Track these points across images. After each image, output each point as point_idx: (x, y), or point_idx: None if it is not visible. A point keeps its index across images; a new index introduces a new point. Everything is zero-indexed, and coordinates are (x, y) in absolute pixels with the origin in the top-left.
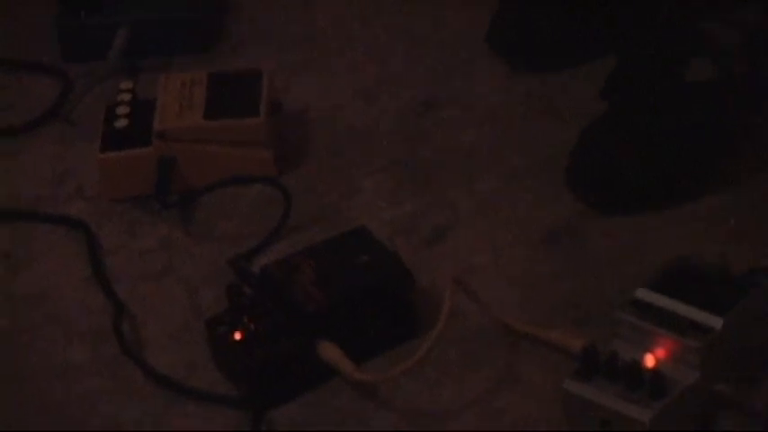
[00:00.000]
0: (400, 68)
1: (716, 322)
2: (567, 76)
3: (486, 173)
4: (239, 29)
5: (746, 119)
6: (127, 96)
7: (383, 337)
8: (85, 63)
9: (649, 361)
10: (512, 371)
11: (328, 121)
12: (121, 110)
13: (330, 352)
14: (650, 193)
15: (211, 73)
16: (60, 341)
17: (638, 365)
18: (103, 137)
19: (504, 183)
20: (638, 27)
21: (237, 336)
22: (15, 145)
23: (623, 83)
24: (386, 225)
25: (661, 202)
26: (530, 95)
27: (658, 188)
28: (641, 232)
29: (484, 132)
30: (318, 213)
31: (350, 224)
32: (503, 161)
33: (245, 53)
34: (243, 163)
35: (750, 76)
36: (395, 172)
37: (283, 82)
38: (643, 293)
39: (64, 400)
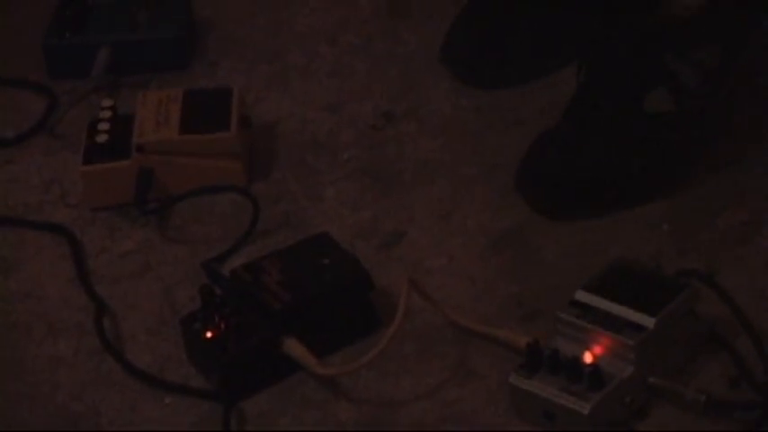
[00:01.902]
0: (362, 84)
1: (649, 322)
2: (517, 91)
3: (441, 181)
4: (213, 48)
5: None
6: (107, 113)
7: (344, 333)
8: (70, 80)
9: (588, 357)
10: (463, 365)
11: (295, 134)
12: (103, 125)
13: (294, 348)
14: (593, 201)
15: (186, 90)
16: (47, 336)
17: (577, 361)
18: (86, 150)
19: (457, 190)
20: (599, 53)
21: (209, 334)
22: (5, 156)
23: (585, 106)
24: (347, 230)
25: (603, 209)
26: (481, 109)
27: (601, 196)
28: (584, 236)
29: (439, 143)
30: (285, 219)
31: (314, 229)
32: (456, 170)
33: (218, 70)
34: (215, 173)
35: (702, 113)
36: (356, 180)
37: (253, 97)
38: (582, 295)
39: (50, 390)
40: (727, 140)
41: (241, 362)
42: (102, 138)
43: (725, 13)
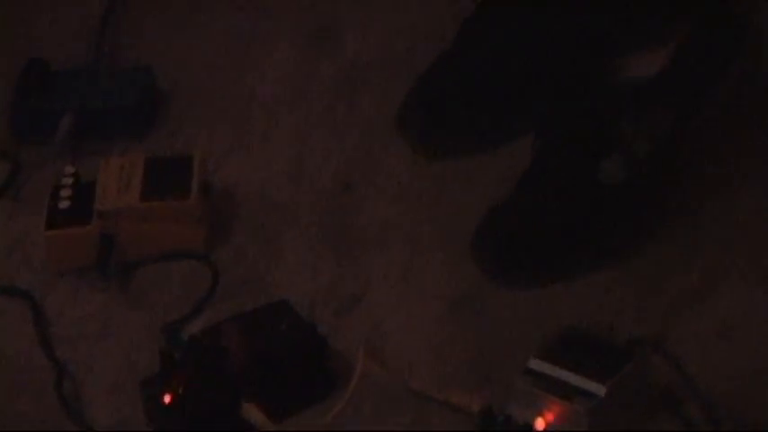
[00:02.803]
0: (321, 150)
1: (599, 389)
2: (475, 159)
3: (398, 245)
4: (175, 114)
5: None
6: (70, 179)
7: (302, 397)
8: (34, 145)
9: (540, 424)
10: (418, 427)
11: (255, 199)
12: (65, 191)
13: (253, 413)
14: (547, 267)
15: (148, 157)
16: (7, 399)
17: (530, 427)
18: (48, 216)
19: (414, 255)
20: (554, 122)
21: (168, 398)
22: None
23: (539, 175)
24: (307, 294)
25: (556, 275)
26: (438, 176)
27: (554, 263)
28: (538, 302)
29: (396, 209)
30: (244, 284)
31: (274, 294)
32: (413, 235)
33: (180, 137)
34: (176, 238)
35: (655, 180)
36: (315, 245)
37: (215, 163)
38: (535, 363)
39: None
40: (679, 203)
41: (199, 426)
42: (64, 203)
43: (678, 81)
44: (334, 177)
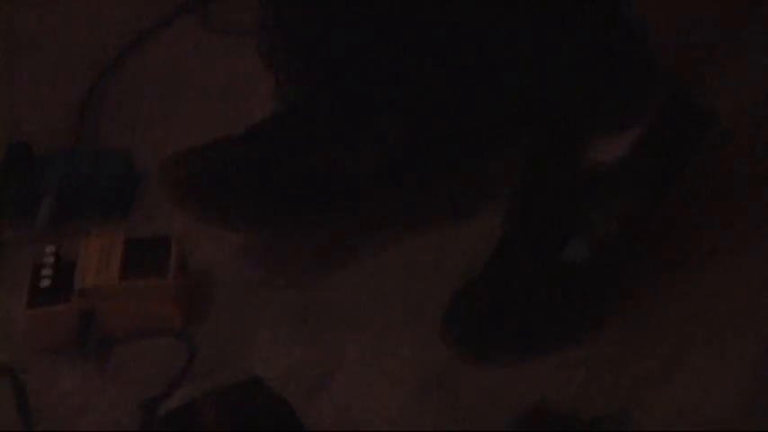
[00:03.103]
0: None
1: None
2: (443, 237)
3: (369, 326)
4: (153, 197)
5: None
6: (51, 258)
7: None
8: (16, 226)
9: None
10: None
11: (230, 279)
12: (46, 270)
13: None
14: (515, 346)
15: (127, 237)
16: None
17: None
18: (30, 294)
19: (385, 334)
20: (520, 206)
21: None
22: None
23: (506, 256)
24: (280, 372)
25: (525, 354)
26: (408, 257)
27: (522, 342)
28: (506, 380)
29: (367, 289)
30: (220, 361)
31: (248, 371)
32: (383, 315)
33: (157, 219)
34: (154, 316)
35: (618, 262)
36: (288, 324)
37: (191, 244)
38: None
39: None
40: (642, 282)
41: None
42: (45, 282)
43: (643, 169)
44: (307, 259)
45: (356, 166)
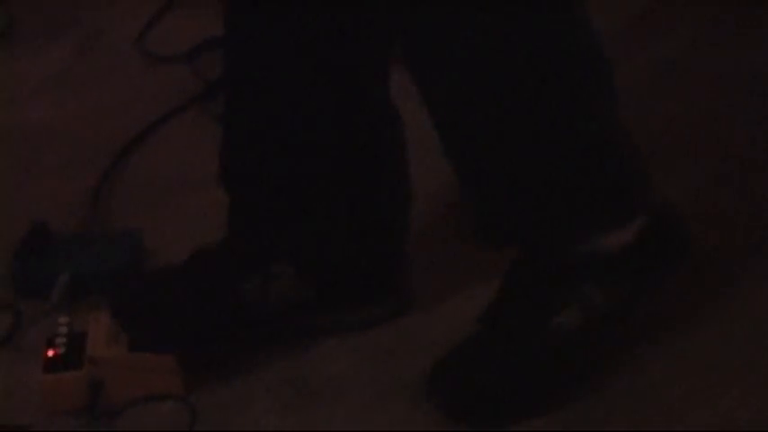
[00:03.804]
0: None
1: None
2: (431, 312)
3: (358, 395)
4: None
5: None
6: (64, 329)
7: None
8: (34, 300)
9: None
10: None
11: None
12: (60, 340)
13: None
14: (498, 412)
15: None
16: None
17: None
18: (45, 362)
19: (372, 403)
20: (517, 278)
21: None
22: None
23: (497, 322)
24: None
25: (508, 420)
26: (395, 327)
27: (507, 408)
28: None
29: (354, 359)
30: (219, 425)
31: None
32: (372, 384)
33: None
34: (158, 384)
35: (608, 333)
36: (281, 393)
37: None
38: None
39: None
40: (629, 353)
41: None
42: (59, 351)
43: (645, 255)
44: (295, 332)
45: (266, 303)
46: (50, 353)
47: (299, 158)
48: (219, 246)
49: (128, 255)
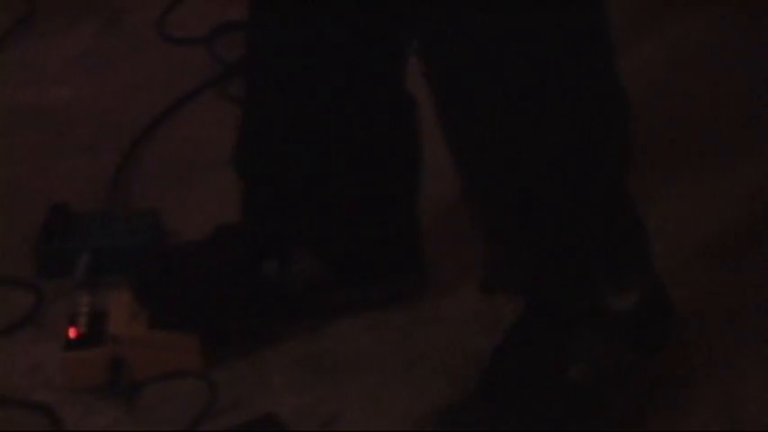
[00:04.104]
0: None
1: None
2: (448, 296)
3: (374, 372)
4: None
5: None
6: (85, 308)
7: None
8: (56, 279)
9: None
10: None
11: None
12: (81, 319)
13: None
14: None
15: None
16: None
17: None
18: (66, 340)
19: (387, 378)
20: (526, 328)
21: None
22: None
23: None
24: (292, 411)
25: None
26: (409, 313)
27: None
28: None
29: (371, 337)
30: (237, 401)
31: (263, 410)
32: (386, 361)
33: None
34: (178, 361)
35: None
36: (299, 369)
37: None
38: None
39: None
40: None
41: None
42: (80, 329)
43: (647, 321)
44: (314, 310)
45: (284, 285)
46: (72, 331)
47: (314, 144)
48: (239, 226)
49: (148, 234)
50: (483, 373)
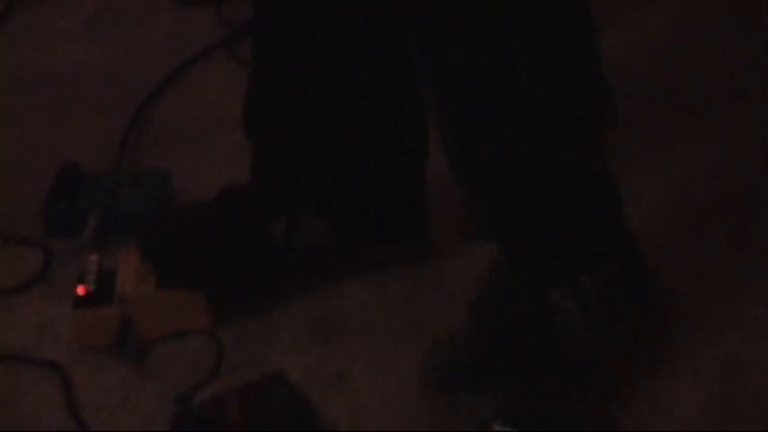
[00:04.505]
0: None
1: None
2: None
3: (378, 331)
4: None
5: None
6: (94, 266)
7: None
8: (65, 239)
9: None
10: None
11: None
12: (90, 277)
13: None
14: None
15: None
16: None
17: None
18: (76, 298)
19: (392, 340)
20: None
21: None
22: (7, 303)
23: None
24: (299, 369)
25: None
26: (415, 276)
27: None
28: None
29: (376, 299)
30: (245, 360)
31: (271, 369)
32: (393, 323)
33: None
34: (186, 320)
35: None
36: (306, 329)
37: None
38: (499, 426)
39: None
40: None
41: None
42: (89, 288)
43: (623, 281)
44: (319, 269)
45: (291, 246)
46: (81, 290)
47: (322, 105)
48: (246, 186)
49: (157, 194)
50: (469, 314)
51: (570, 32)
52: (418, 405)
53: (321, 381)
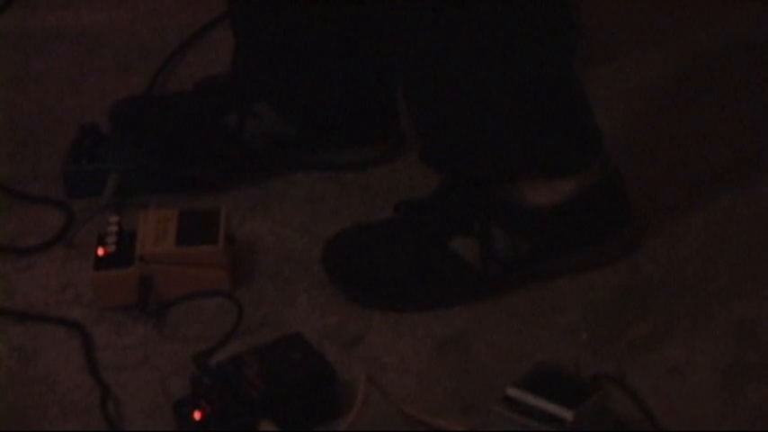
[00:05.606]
0: (330, 208)
1: (568, 415)
2: None
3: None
4: None
5: None
6: (114, 228)
7: (311, 419)
8: (85, 199)
9: None
10: None
11: (273, 249)
12: (110, 238)
13: (269, 429)
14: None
15: (181, 211)
16: (58, 417)
17: None
18: (96, 259)
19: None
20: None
21: (197, 416)
22: (29, 262)
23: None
24: (316, 331)
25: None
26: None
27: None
28: (515, 341)
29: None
30: (264, 321)
31: (289, 330)
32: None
33: (207, 197)
34: (205, 280)
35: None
36: (324, 290)
37: (238, 219)
38: (513, 391)
39: None
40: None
41: None
42: (109, 249)
43: (583, 214)
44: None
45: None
46: (101, 251)
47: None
48: (222, 77)
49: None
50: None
51: None
52: (432, 361)
53: (338, 340)
